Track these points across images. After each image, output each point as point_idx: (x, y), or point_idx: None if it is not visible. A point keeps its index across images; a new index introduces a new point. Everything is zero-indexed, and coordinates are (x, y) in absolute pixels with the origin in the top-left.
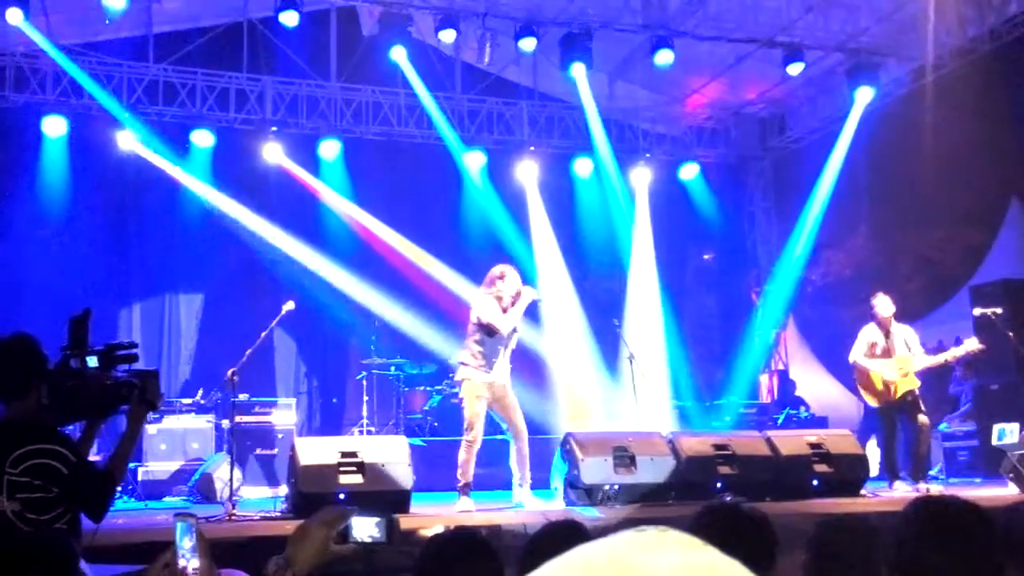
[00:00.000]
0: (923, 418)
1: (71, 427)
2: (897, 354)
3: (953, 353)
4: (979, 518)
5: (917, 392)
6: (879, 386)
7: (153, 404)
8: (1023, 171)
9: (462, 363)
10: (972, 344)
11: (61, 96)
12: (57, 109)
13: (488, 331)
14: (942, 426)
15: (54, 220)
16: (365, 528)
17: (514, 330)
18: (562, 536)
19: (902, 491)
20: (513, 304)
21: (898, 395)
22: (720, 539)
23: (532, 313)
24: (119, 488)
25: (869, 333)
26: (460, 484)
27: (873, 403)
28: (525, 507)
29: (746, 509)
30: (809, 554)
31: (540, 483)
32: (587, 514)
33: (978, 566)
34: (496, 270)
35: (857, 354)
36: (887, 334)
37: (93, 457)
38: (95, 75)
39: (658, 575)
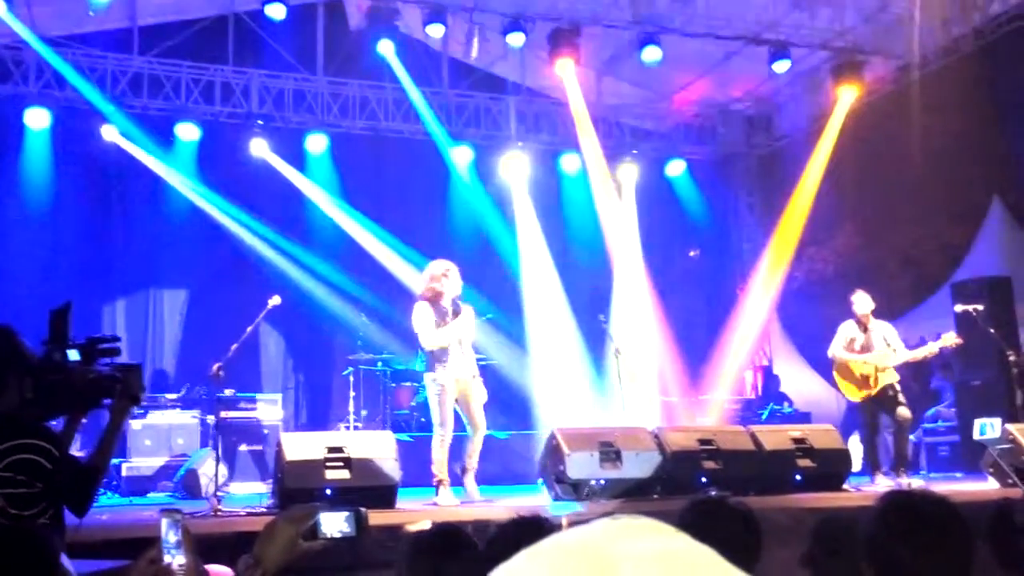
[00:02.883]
0: (903, 412)
1: (53, 422)
2: (876, 350)
3: (931, 348)
4: (949, 511)
5: (897, 386)
6: (859, 379)
7: (136, 398)
8: (1005, 170)
9: (424, 361)
10: (950, 338)
11: (44, 88)
12: (40, 101)
13: None
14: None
15: (36, 213)
16: (334, 523)
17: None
18: (526, 530)
19: (884, 486)
20: (455, 314)
21: (878, 388)
22: (707, 533)
23: (516, 307)
24: (102, 483)
25: (848, 329)
26: (437, 480)
27: (854, 397)
28: (469, 496)
29: (732, 503)
30: (808, 547)
31: (526, 478)
32: (573, 509)
33: (947, 559)
34: (440, 267)
35: (836, 348)
36: (865, 330)
37: (75, 452)
38: (79, 67)
39: (632, 562)
